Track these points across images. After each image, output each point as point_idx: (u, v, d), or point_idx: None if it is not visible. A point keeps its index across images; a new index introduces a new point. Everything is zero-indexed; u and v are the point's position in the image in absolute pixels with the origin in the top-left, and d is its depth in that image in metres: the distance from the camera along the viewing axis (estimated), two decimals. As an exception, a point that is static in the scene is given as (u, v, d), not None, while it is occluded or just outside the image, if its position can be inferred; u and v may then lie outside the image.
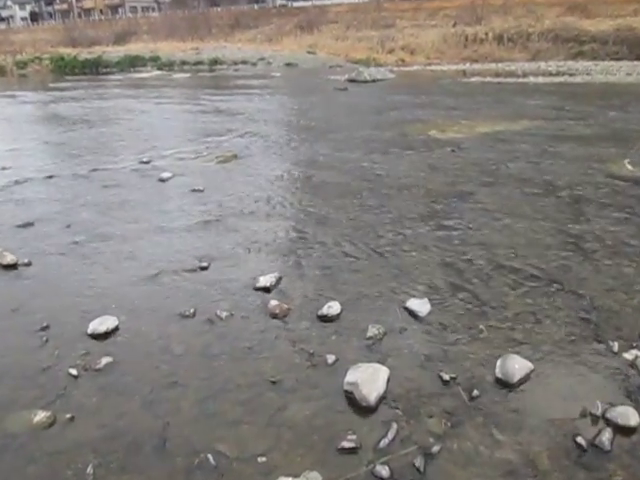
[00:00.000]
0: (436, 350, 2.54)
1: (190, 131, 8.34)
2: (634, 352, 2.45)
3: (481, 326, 2.69)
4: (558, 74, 15.50)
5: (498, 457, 1.96)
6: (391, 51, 23.34)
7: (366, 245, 3.69)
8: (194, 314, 2.86)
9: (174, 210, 4.55)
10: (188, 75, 19.92)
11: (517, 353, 2.45)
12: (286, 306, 2.87)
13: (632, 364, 2.39)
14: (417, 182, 5.17)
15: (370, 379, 2.26)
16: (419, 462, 1.93)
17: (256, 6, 39.37)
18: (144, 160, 6.32)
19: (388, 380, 2.31)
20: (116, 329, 2.74)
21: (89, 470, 1.92)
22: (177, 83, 17.02)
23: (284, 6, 37.41)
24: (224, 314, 2.84)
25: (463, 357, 2.48)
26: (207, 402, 2.25)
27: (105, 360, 2.51)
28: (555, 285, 3.06)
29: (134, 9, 52.25)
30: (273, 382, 2.35)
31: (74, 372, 2.44)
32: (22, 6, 58.22)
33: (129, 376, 2.42)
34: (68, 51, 28.07)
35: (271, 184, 5.28)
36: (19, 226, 4.21)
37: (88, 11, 52.93)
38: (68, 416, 2.18)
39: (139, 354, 2.56)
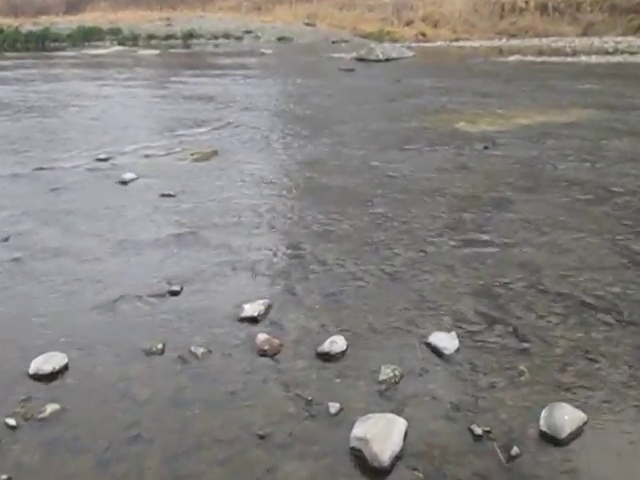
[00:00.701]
0: (466, 397, 2.54)
1: (159, 121, 8.43)
2: None
3: (522, 367, 2.70)
4: (615, 52, 15.69)
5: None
6: (409, 23, 23.63)
7: (377, 265, 3.71)
8: (162, 350, 2.87)
9: (138, 220, 4.59)
10: (157, 52, 20.14)
11: (566, 401, 2.46)
12: (278, 341, 2.88)
13: None
14: (441, 186, 5.23)
15: (383, 433, 2.26)
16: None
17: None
18: (101, 157, 6.37)
19: (405, 435, 2.31)
20: (65, 368, 2.74)
21: None
22: (143, 62, 17.21)
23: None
24: (200, 351, 2.85)
25: (499, 406, 2.48)
26: (178, 461, 2.25)
27: (51, 407, 2.51)
28: (613, 315, 3.07)
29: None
30: (261, 436, 2.35)
31: (12, 422, 2.44)
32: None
33: (80, 427, 2.42)
34: (8, 22, 28.38)
35: (259, 188, 5.33)
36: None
37: (33, -28, 53.56)
38: (4, 477, 2.18)
39: (93, 400, 2.56)
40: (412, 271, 3.63)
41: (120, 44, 23.36)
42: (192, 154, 6.46)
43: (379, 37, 21.41)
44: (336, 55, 16.91)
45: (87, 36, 24.31)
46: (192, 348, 2.86)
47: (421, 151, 6.45)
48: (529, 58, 15.06)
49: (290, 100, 10.20)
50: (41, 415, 2.47)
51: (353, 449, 2.23)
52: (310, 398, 2.54)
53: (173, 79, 12.75)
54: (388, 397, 2.54)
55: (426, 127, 7.62)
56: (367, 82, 11.92)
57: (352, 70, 13.53)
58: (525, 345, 2.86)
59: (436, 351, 2.82)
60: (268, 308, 3.18)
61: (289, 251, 3.98)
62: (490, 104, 8.97)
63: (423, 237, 4.16)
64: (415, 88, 10.74)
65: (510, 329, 2.99)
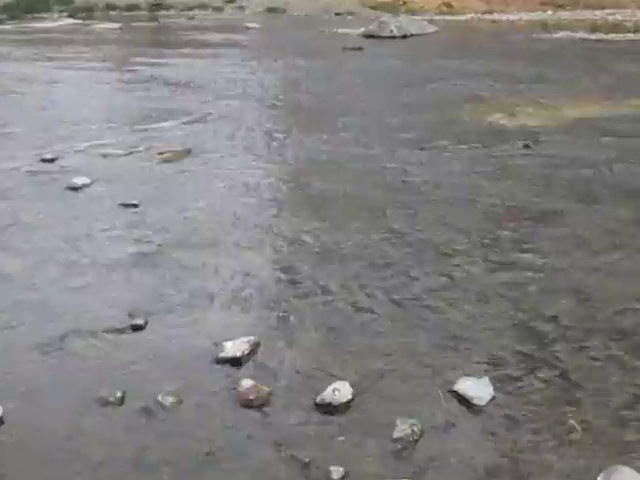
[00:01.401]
0: (502, 459, 2.54)
1: (120, 112, 8.47)
2: None
3: (572, 421, 2.70)
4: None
5: None
6: (431, -9, 23.86)
7: (391, 293, 3.73)
8: (122, 400, 2.87)
9: (91, 236, 4.61)
10: (117, 26, 20.30)
11: (627, 463, 2.46)
12: (266, 388, 2.89)
13: None
14: (471, 195, 5.26)
15: (398, 505, 2.26)
16: None
17: None
18: (47, 157, 6.40)
19: (426, 506, 2.31)
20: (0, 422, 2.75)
21: None
22: (100, 38, 17.34)
23: None
24: (169, 400, 2.85)
25: (544, 471, 2.48)
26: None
27: (-19, 472, 2.51)
28: (686, 358, 3.08)
29: None
30: (245, 509, 2.35)
31: None
32: None
33: (19, 498, 2.42)
34: None
35: (244, 197, 5.36)
36: None
37: None
38: None
39: (35, 462, 2.56)
40: (434, 301, 3.65)
41: (71, 16, 23.53)
42: (160, 154, 6.49)
43: (393, 8, 21.58)
44: (340, 31, 17.04)
45: (30, 6, 24.46)
46: (159, 397, 2.86)
47: (446, 150, 6.48)
48: (580, 35, 15.19)
49: (282, 87, 10.27)
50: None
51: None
52: (307, 460, 2.53)
53: (137, 60, 12.82)
54: (405, 459, 2.54)
55: (452, 120, 7.66)
56: (378, 64, 11.99)
57: (360, 49, 13.60)
58: (576, 394, 2.86)
59: (465, 401, 2.82)
60: (255, 347, 3.18)
61: (281, 275, 3.99)
62: (532, 92, 9.01)
63: (448, 258, 4.17)
64: (438, 72, 10.79)
65: (557, 373, 3.00)
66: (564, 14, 20.14)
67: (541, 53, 12.72)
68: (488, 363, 3.08)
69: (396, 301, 3.64)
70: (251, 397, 2.84)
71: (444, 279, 3.89)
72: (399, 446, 2.60)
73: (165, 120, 7.96)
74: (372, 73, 11.13)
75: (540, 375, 2.99)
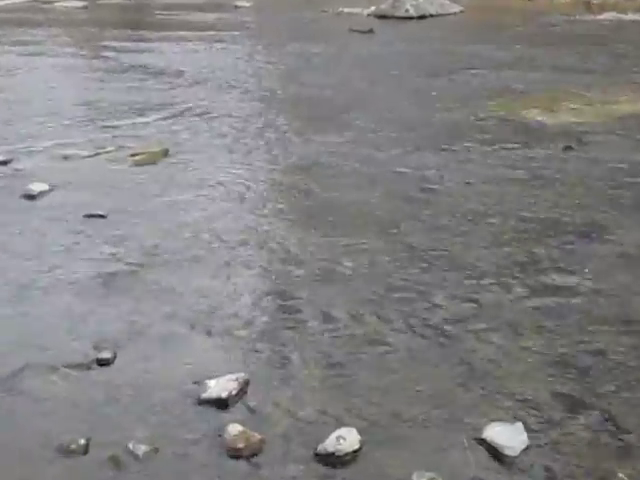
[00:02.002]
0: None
1: (86, 107, 8.47)
2: None
3: (621, 474, 2.70)
4: None
5: None
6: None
7: (407, 322, 3.74)
8: (86, 448, 2.87)
9: (52, 253, 4.62)
10: (82, 4, 20.37)
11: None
12: (258, 435, 2.88)
13: None
14: (501, 205, 5.27)
15: None
16: None
17: None
18: (-1, 159, 6.42)
19: None
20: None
21: None
22: (63, 19, 17.38)
23: None
24: (142, 449, 2.85)
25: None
26: None
27: None
28: None
29: None
30: None
31: None
32: None
33: None
34: None
35: (232, 206, 5.38)
36: None
37: None
38: None
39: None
40: (458, 331, 3.65)
41: (28, -8, 23.64)
42: (132, 155, 6.50)
43: (410, -16, 21.68)
44: (346, 10, 17.04)
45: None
46: (130, 445, 2.85)
47: (471, 153, 6.49)
48: (629, 17, 15.19)
49: (278, 77, 10.24)
50: None
51: None
52: (306, 522, 2.53)
53: (107, 45, 12.82)
54: (422, 521, 2.54)
55: (480, 117, 7.66)
56: (392, 50, 11.96)
57: (370, 32, 13.58)
58: (625, 442, 2.86)
59: (494, 451, 2.82)
60: (244, 385, 3.18)
61: (276, 300, 4.00)
62: (574, 83, 9.00)
63: (474, 280, 4.18)
64: (463, 59, 10.77)
65: (603, 418, 2.99)
66: (612, -9, 20.19)
67: (584, 37, 12.73)
68: (521, 406, 3.08)
69: (413, 331, 3.65)
70: (240, 446, 2.83)
71: (469, 305, 3.90)
72: (416, 505, 2.60)
73: (139, 115, 7.98)
74: (384, 61, 11.12)
75: (583, 420, 2.99)
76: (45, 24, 15.90)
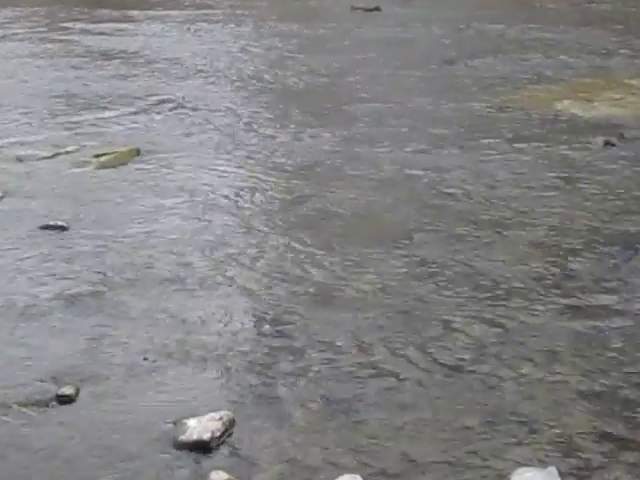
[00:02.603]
0: None
1: (44, 99, 8.45)
2: None
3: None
4: None
5: None
6: None
7: (421, 350, 3.75)
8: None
9: (2, 271, 4.63)
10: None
11: None
12: (246, 485, 2.89)
13: None
14: (531, 212, 5.30)
15: None
16: None
17: None
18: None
19: None
20: None
21: None
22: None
23: None
24: (109, 502, 2.86)
25: None
26: None
27: None
28: None
29: None
30: None
31: None
32: None
33: None
34: None
35: (214, 215, 5.39)
36: None
37: None
38: None
39: None
40: (481, 360, 3.67)
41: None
42: (97, 156, 6.49)
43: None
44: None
45: None
46: (95, 497, 2.87)
47: (496, 151, 6.49)
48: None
49: (270, 63, 10.19)
50: None
51: None
52: None
53: (69, 25, 12.76)
54: None
55: (505, 109, 7.66)
56: (403, 32, 11.87)
57: (376, 10, 13.53)
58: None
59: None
60: (229, 425, 3.19)
61: (266, 326, 4.01)
62: (615, 70, 9.00)
63: (500, 300, 4.20)
64: (487, 41, 10.75)
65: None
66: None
67: (626, 16, 12.73)
68: (555, 447, 3.08)
69: (427, 361, 3.66)
70: (224, 497, 2.85)
71: (494, 330, 3.92)
72: None
73: (106, 109, 7.98)
74: (392, 44, 11.10)
75: (627, 461, 2.99)
76: (6, 2, 15.87)
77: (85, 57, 10.57)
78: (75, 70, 9.85)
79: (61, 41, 11.75)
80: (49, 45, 11.47)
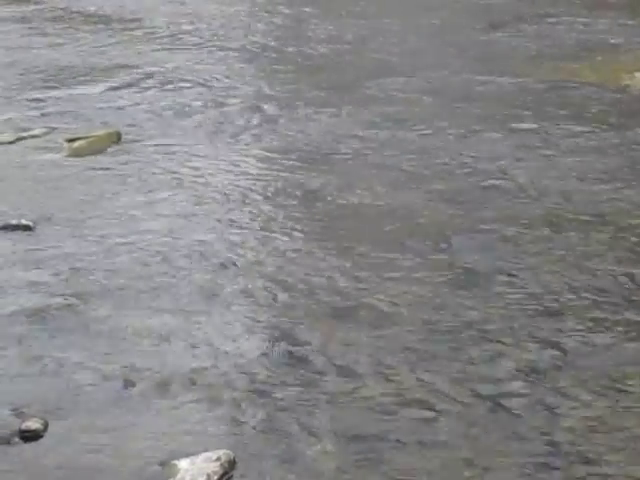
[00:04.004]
0: None
1: (8, 71, 8.44)
2: None
3: None
4: None
5: None
6: None
7: (459, 376, 3.74)
8: None
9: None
10: None
11: None
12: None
13: None
14: (594, 210, 5.29)
15: None
16: None
17: None
18: None
19: None
20: None
21: None
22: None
23: None
24: None
25: None
26: None
27: None
28: None
29: None
30: None
31: None
32: None
33: None
34: None
35: (209, 212, 5.40)
36: None
37: None
38: None
39: None
40: (532, 388, 3.64)
41: None
42: (69, 140, 6.51)
43: None
44: None
45: None
46: None
47: (550, 135, 6.49)
48: None
49: (277, 30, 10.20)
50: None
51: None
52: None
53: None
54: None
55: (561, 83, 7.66)
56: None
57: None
58: None
59: None
60: (228, 467, 3.18)
61: (275, 347, 4.00)
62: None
63: (555, 317, 4.19)
64: (541, 3, 10.73)
65: None
66: None
67: None
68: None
69: (467, 391, 3.65)
70: None
71: (548, 352, 3.91)
72: None
73: (80, 83, 8.02)
74: (426, 5, 11.13)
75: None
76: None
77: (55, 21, 10.58)
78: (42, 37, 9.89)
79: (19, 1, 11.77)
80: (10, 6, 11.49)
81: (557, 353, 3.89)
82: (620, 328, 4.06)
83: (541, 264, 4.69)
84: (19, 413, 3.52)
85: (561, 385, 3.67)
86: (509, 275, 4.56)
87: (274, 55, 9.07)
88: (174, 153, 6.35)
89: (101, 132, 6.65)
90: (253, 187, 5.81)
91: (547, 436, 3.37)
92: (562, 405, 3.56)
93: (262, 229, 5.24)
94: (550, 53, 8.62)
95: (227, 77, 8.19)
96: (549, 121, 6.72)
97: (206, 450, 3.24)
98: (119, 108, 7.34)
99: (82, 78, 8.16)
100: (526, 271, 4.61)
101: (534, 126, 6.65)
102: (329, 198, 5.61)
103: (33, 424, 3.44)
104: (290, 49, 9.28)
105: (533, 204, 5.40)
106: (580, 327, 4.08)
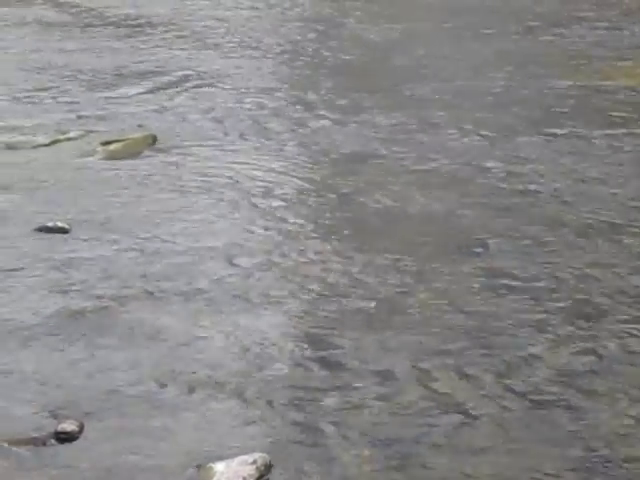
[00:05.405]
0: None
1: (40, 74, 8.45)
2: None
3: None
4: None
5: None
6: None
7: (495, 379, 3.73)
8: None
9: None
10: None
11: None
12: None
13: None
14: (630, 215, 5.24)
15: None
16: None
17: None
18: None
19: None
20: None
21: None
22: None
23: None
24: None
25: None
26: None
27: None
28: None
29: None
30: None
31: None
32: None
33: None
34: None
35: (244, 217, 5.42)
36: None
37: None
38: None
39: None
40: (567, 393, 3.63)
41: None
42: (105, 143, 6.52)
43: None
44: None
45: None
46: None
47: (586, 140, 6.45)
48: None
49: (310, 32, 10.17)
50: None
51: None
52: None
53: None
54: None
55: (599, 89, 7.61)
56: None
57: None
58: None
59: None
60: (264, 470, 3.18)
61: (308, 350, 4.01)
62: None
63: (591, 322, 4.17)
64: (580, 4, 10.66)
65: None
66: None
67: None
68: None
69: (505, 395, 3.64)
70: None
71: (584, 357, 3.89)
72: None
73: (115, 86, 8.03)
74: (461, 9, 11.07)
75: None
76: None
77: (90, 24, 10.60)
78: (77, 40, 9.89)
79: (57, 4, 11.80)
80: (43, 9, 11.51)
81: (593, 358, 3.88)
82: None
83: (577, 269, 4.66)
84: (55, 415, 3.53)
85: (596, 390, 3.66)
86: (545, 279, 4.54)
87: (307, 59, 9.05)
88: (208, 156, 6.37)
89: (136, 135, 6.66)
90: (286, 190, 5.81)
91: (584, 441, 3.35)
92: (598, 410, 3.55)
93: (294, 233, 5.23)
94: (588, 57, 8.56)
95: (259, 81, 8.19)
96: (586, 125, 6.69)
97: (242, 453, 3.24)
98: (155, 111, 7.35)
99: (117, 81, 8.18)
100: (562, 275, 4.60)
101: (571, 130, 6.61)
102: (362, 201, 5.61)
103: (69, 426, 3.45)
104: (324, 53, 9.27)
105: (567, 208, 5.38)
106: (616, 333, 4.06)
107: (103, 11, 11.25)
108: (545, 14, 10.43)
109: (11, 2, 12.24)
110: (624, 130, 6.59)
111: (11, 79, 8.26)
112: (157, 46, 9.53)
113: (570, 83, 7.78)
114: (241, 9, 11.28)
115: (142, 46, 9.56)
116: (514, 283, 4.52)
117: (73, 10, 11.45)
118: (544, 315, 4.23)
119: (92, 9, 11.37)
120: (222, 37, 9.87)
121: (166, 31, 10.15)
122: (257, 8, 11.49)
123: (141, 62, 8.82)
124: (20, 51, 9.56)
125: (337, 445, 3.38)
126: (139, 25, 10.43)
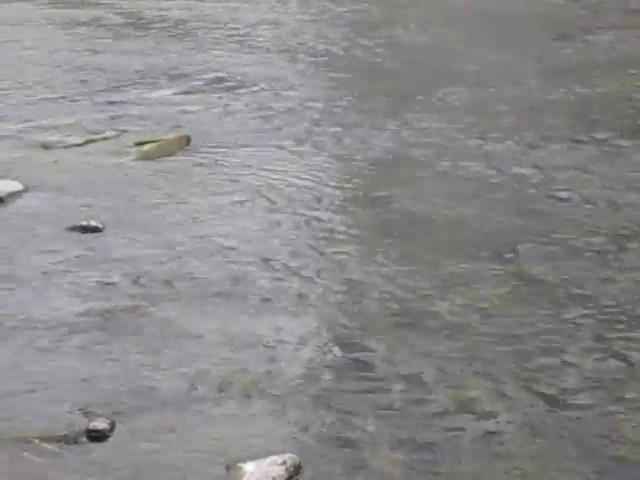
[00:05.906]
0: None
1: (75, 74, 8.47)
2: None
3: None
4: None
5: None
6: None
7: (526, 385, 3.72)
8: None
9: (23, 281, 4.67)
10: None
11: None
12: None
13: None
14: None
15: None
16: None
17: None
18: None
19: None
20: None
21: None
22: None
23: None
24: None
25: None
26: None
27: None
28: None
29: None
30: None
31: None
32: None
33: None
34: None
35: (278, 219, 5.43)
36: None
37: None
38: None
39: None
40: (599, 400, 3.61)
41: None
42: (139, 144, 6.52)
43: None
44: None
45: None
46: None
47: (621, 147, 6.42)
48: None
49: (345, 35, 10.14)
50: None
51: None
52: None
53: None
54: None
55: (631, 93, 7.56)
56: (504, 0, 11.81)
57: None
58: None
59: None
60: (294, 472, 3.18)
61: (339, 353, 4.01)
62: None
63: (622, 329, 4.15)
64: (610, 13, 10.62)
65: None
66: None
67: None
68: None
69: (535, 401, 3.63)
70: None
71: (615, 364, 3.87)
72: None
73: (150, 87, 8.06)
74: (491, 14, 11.03)
75: None
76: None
77: (124, 25, 10.62)
78: (112, 40, 9.92)
79: (91, 4, 11.82)
80: (76, 10, 11.52)
81: (622, 364, 3.87)
82: None
83: (607, 275, 4.65)
84: (86, 413, 3.55)
85: (627, 397, 3.64)
86: (575, 285, 4.53)
87: (342, 63, 9.05)
88: (242, 158, 6.36)
89: (171, 136, 6.67)
90: (320, 194, 5.81)
91: (612, 448, 3.34)
92: (627, 417, 3.53)
93: (327, 236, 5.23)
94: (618, 65, 8.53)
95: (295, 83, 8.19)
96: (618, 132, 6.66)
97: (272, 454, 3.25)
98: (189, 112, 7.37)
99: (151, 81, 8.20)
100: (592, 282, 4.58)
101: (603, 137, 6.58)
102: (395, 206, 5.60)
103: (100, 424, 3.47)
104: (358, 56, 9.28)
105: (600, 216, 5.35)
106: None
107: (136, 11, 11.26)
108: (578, 22, 10.39)
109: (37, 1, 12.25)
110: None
111: (48, 80, 8.28)
112: (189, 48, 9.55)
113: (601, 90, 7.75)
114: (270, 13, 11.27)
115: (178, 47, 9.58)
116: (544, 289, 4.51)
117: (107, 10, 11.46)
118: (574, 321, 4.21)
119: (126, 9, 11.38)
120: (259, 39, 9.87)
121: (198, 33, 10.16)
122: (291, 11, 11.49)
123: (177, 63, 8.84)
124: (53, 51, 9.58)
125: (366, 448, 3.37)
126: (172, 27, 10.44)
